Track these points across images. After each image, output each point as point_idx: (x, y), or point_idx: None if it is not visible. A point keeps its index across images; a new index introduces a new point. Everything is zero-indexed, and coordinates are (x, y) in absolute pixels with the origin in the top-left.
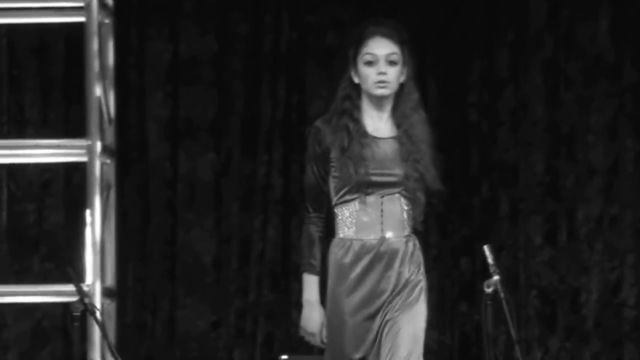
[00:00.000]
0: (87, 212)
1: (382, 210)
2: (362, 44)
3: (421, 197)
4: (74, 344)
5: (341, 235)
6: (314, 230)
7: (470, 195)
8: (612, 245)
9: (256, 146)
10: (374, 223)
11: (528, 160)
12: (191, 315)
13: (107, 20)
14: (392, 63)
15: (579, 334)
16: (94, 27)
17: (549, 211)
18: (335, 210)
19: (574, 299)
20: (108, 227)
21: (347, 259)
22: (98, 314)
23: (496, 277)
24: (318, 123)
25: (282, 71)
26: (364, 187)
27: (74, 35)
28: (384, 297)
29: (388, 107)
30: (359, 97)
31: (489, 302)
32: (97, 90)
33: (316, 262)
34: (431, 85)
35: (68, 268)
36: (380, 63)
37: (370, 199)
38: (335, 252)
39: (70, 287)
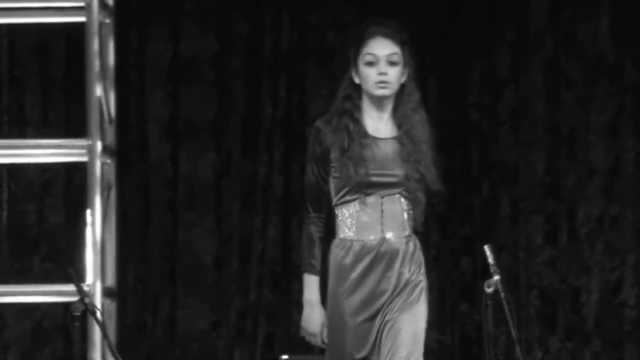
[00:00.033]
0: (88, 212)
1: (382, 211)
2: (363, 44)
3: (422, 197)
4: (75, 343)
5: (341, 236)
6: (314, 230)
7: (471, 195)
8: (613, 245)
9: (257, 146)
10: (374, 223)
11: (528, 160)
12: (192, 315)
13: (107, 20)
14: (392, 63)
15: (579, 334)
16: (95, 27)
17: (549, 211)
18: (336, 211)
19: (575, 299)
20: (108, 227)
21: (348, 260)
22: (98, 314)
23: (497, 277)
24: (318, 123)
25: (282, 71)
26: (363, 188)
27: (75, 35)
28: (384, 298)
29: (389, 107)
30: (359, 97)
31: (489, 302)
32: (98, 90)
33: (316, 262)
34: (431, 85)
35: (68, 268)
36: (381, 63)
37: (370, 199)
38: (335, 253)
39: (71, 287)
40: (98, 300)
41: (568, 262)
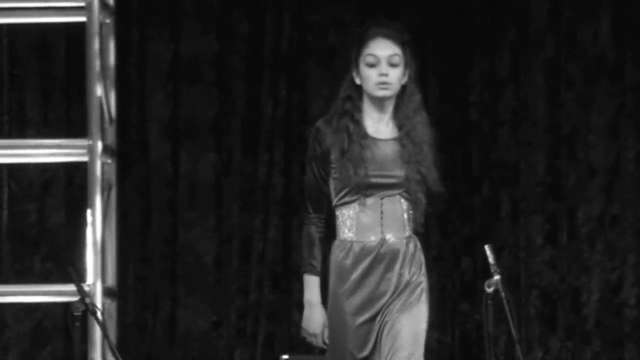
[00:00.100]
0: (88, 211)
1: (382, 212)
2: (364, 45)
3: (422, 198)
4: (75, 343)
5: (341, 237)
6: (314, 230)
7: (471, 195)
8: (613, 245)
9: (257, 146)
10: (374, 225)
11: (529, 160)
12: (192, 315)
13: (108, 20)
14: (393, 65)
15: (579, 334)
16: (95, 27)
17: (549, 211)
18: (336, 212)
19: (575, 299)
20: (109, 226)
21: (348, 261)
22: (99, 314)
23: (497, 277)
24: (319, 123)
25: (283, 71)
26: (363, 189)
27: (75, 35)
28: (384, 299)
29: (389, 108)
30: (360, 98)
31: (489, 302)
32: (98, 90)
33: (316, 263)
34: (432, 85)
35: (69, 268)
36: (382, 64)
37: (370, 200)
38: (336, 254)
39: (71, 287)
40: (98, 300)
41: (568, 262)
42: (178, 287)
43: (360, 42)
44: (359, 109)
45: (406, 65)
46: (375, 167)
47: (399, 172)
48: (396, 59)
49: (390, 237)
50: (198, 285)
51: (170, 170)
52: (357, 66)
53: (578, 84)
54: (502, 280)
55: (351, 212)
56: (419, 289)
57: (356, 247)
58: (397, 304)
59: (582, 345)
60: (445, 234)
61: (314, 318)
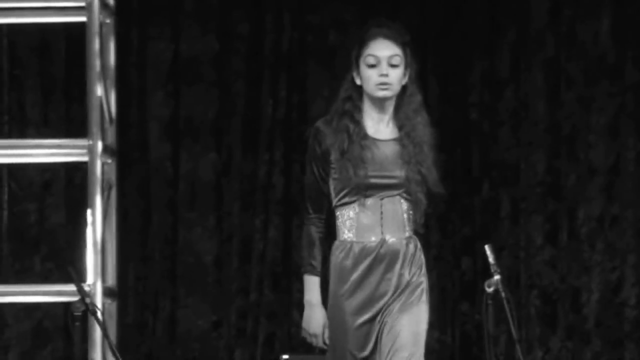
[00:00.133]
0: (88, 211)
1: (381, 213)
2: (365, 45)
3: (422, 199)
4: (75, 343)
5: (341, 237)
6: (314, 231)
7: (471, 194)
8: (613, 244)
9: (257, 146)
10: (373, 225)
11: (529, 159)
12: (192, 314)
13: (108, 20)
14: (394, 65)
15: (579, 334)
16: (95, 27)
17: (550, 211)
18: (336, 212)
19: (575, 299)
20: (109, 226)
21: (348, 262)
22: (99, 314)
23: (497, 277)
24: (319, 124)
25: (283, 71)
26: (362, 190)
27: (75, 35)
28: (384, 300)
29: (390, 109)
30: (360, 98)
31: (490, 302)
32: (98, 90)
33: (316, 263)
34: (432, 85)
35: (69, 268)
36: (382, 65)
37: (370, 201)
38: (336, 255)
39: (71, 287)
40: (99, 300)
41: (568, 262)
42: (178, 287)
43: (361, 43)
44: (359, 109)
45: (407, 66)
46: (375, 167)
47: (398, 173)
48: (396, 60)
49: (390, 237)
50: (198, 285)
51: (170, 170)
52: (357, 66)
53: (578, 84)
54: (502, 280)
55: (351, 212)
56: (419, 290)
57: (356, 248)
58: (397, 305)
59: (582, 345)
60: (445, 234)
61: (315, 318)
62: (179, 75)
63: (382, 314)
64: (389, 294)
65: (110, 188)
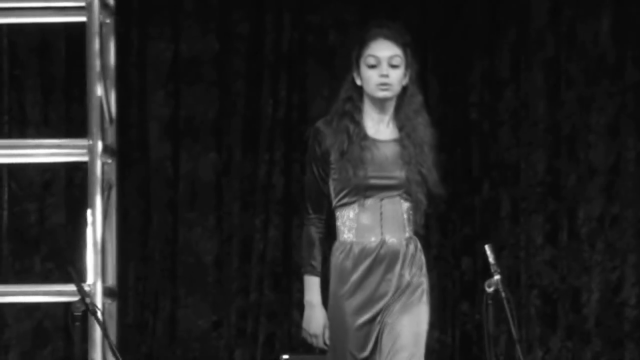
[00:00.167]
0: (88, 211)
1: (381, 213)
2: (365, 46)
3: (423, 200)
4: (75, 343)
5: (341, 238)
6: (314, 231)
7: (472, 194)
8: (613, 244)
9: (257, 146)
10: (373, 226)
11: (529, 159)
12: (192, 314)
13: (108, 20)
14: (394, 66)
15: (580, 334)
16: (95, 27)
17: (550, 211)
18: (336, 213)
19: (575, 299)
20: (109, 226)
21: (348, 263)
22: (99, 314)
23: (497, 277)
24: (319, 124)
25: (283, 71)
26: (362, 190)
27: (75, 35)
28: (384, 300)
29: (390, 109)
30: (360, 99)
31: (490, 302)
32: (98, 90)
33: (317, 264)
34: (432, 85)
35: (69, 268)
36: (383, 65)
37: (369, 201)
38: (336, 256)
39: (72, 287)
40: (99, 300)
41: (569, 262)
42: (178, 287)
43: (361, 43)
44: (359, 110)
45: (407, 66)
46: (375, 168)
47: (398, 174)
48: (397, 60)
49: (390, 238)
50: (198, 285)
51: (170, 170)
52: (357, 67)
53: (578, 84)
54: (503, 280)
55: (351, 213)
56: (419, 290)
57: (356, 249)
58: (398, 305)
59: (583, 345)
60: (445, 234)
61: (315, 318)
62: (179, 75)
63: (383, 314)
64: (389, 295)
65: (110, 188)
